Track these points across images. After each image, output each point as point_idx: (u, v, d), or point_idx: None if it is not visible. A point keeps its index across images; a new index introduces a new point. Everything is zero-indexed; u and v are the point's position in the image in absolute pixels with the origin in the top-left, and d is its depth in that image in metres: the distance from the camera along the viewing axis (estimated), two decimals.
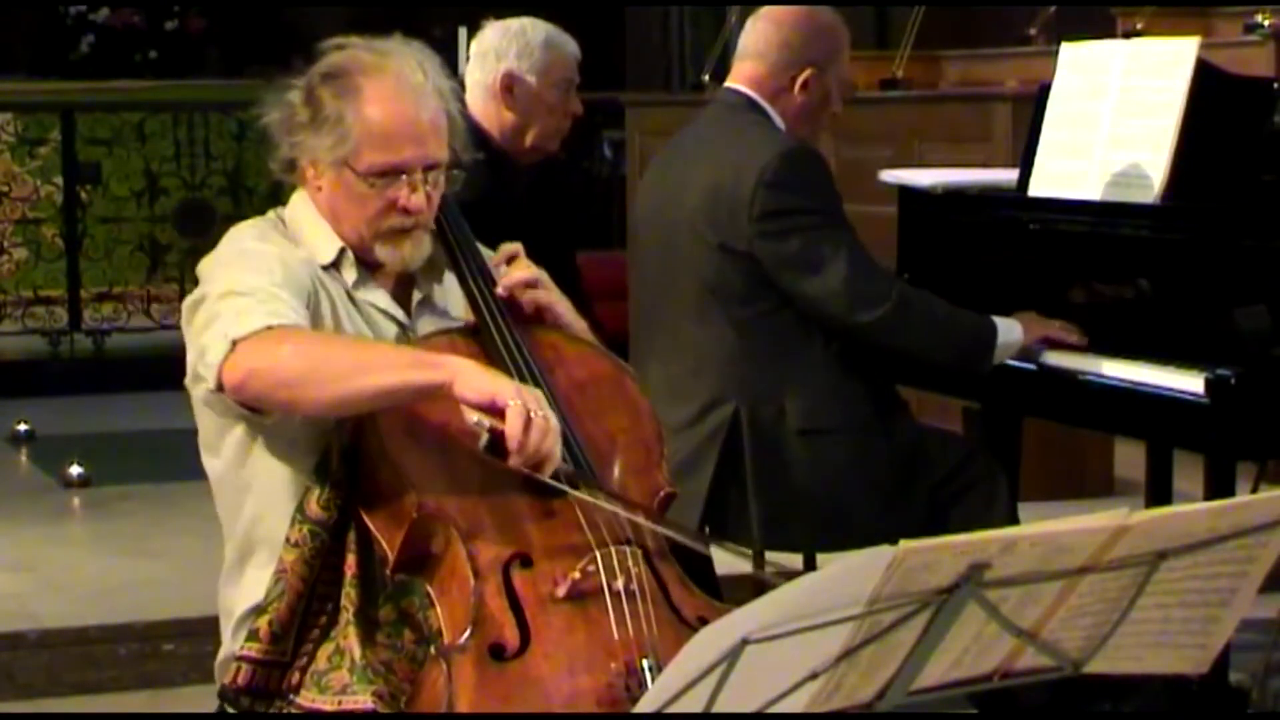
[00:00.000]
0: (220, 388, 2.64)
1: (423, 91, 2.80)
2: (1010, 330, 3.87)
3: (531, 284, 2.93)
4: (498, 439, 2.60)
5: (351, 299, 2.85)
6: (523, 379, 2.77)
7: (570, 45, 4.65)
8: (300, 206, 2.90)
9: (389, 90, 2.79)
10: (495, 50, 4.57)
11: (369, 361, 2.65)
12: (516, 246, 3.00)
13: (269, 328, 2.62)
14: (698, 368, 3.94)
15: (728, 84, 4.10)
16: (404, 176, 2.79)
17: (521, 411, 2.58)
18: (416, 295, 2.92)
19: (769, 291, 3.89)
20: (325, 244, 2.85)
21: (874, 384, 3.96)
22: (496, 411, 2.59)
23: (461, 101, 2.89)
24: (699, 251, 3.94)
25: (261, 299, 2.67)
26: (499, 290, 2.90)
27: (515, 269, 2.95)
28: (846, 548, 3.88)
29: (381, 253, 2.83)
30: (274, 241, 2.84)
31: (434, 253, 2.94)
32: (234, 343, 2.62)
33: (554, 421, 2.63)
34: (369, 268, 2.87)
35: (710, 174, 3.94)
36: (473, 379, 2.61)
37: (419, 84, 2.80)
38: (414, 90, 2.80)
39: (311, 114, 2.81)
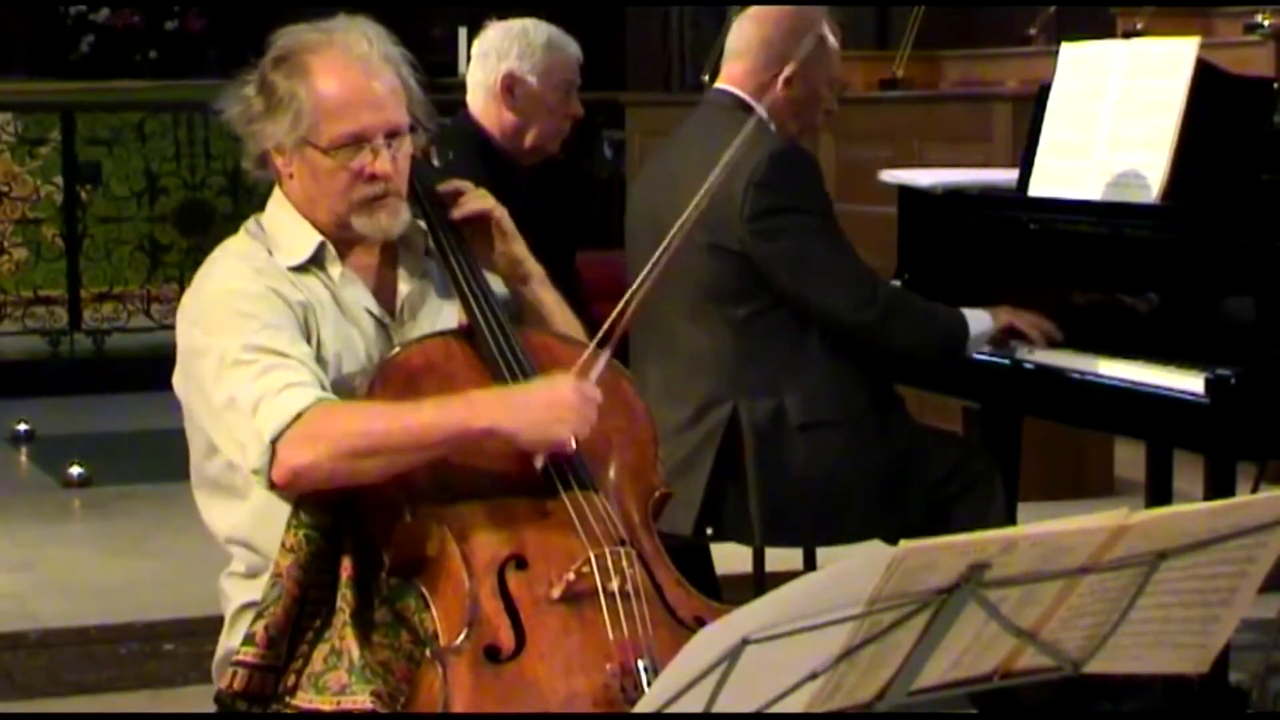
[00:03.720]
0: (271, 486, 2.66)
1: (370, 59, 2.81)
2: (979, 320, 3.91)
3: (464, 197, 2.96)
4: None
5: (337, 301, 2.84)
6: (516, 380, 2.77)
7: (572, 47, 4.65)
8: (275, 208, 2.90)
9: (337, 62, 2.80)
10: (497, 51, 4.57)
11: (413, 426, 2.65)
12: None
13: (298, 416, 2.62)
14: (693, 368, 3.94)
15: (716, 85, 4.10)
16: (366, 144, 2.79)
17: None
18: (401, 293, 2.91)
19: (762, 290, 3.88)
20: (303, 242, 2.85)
21: (870, 377, 3.97)
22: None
23: (412, 66, 2.89)
24: (691, 252, 3.92)
25: (271, 366, 2.67)
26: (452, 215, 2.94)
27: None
28: (846, 542, 3.89)
29: (359, 224, 2.83)
30: (256, 264, 2.83)
31: (415, 240, 2.94)
32: (272, 444, 2.62)
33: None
34: (350, 262, 2.87)
35: (701, 174, 3.92)
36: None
37: (365, 53, 2.81)
38: (362, 59, 2.81)
39: (266, 100, 2.82)
